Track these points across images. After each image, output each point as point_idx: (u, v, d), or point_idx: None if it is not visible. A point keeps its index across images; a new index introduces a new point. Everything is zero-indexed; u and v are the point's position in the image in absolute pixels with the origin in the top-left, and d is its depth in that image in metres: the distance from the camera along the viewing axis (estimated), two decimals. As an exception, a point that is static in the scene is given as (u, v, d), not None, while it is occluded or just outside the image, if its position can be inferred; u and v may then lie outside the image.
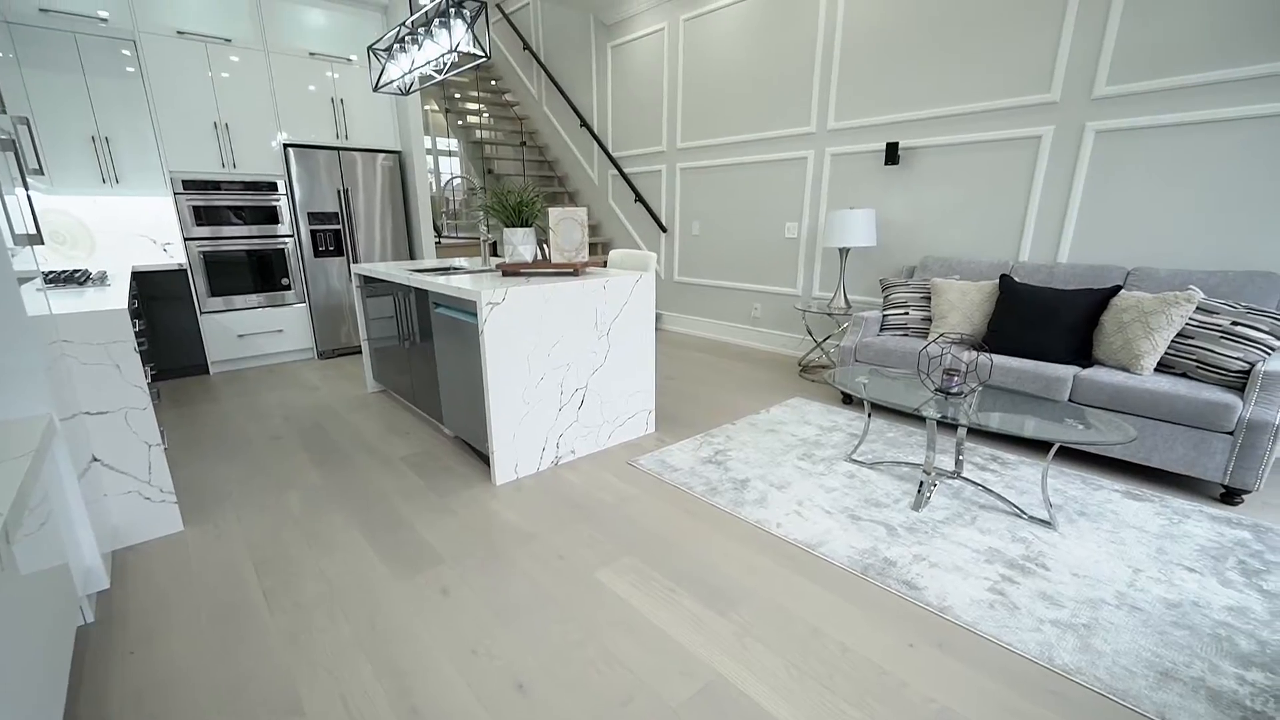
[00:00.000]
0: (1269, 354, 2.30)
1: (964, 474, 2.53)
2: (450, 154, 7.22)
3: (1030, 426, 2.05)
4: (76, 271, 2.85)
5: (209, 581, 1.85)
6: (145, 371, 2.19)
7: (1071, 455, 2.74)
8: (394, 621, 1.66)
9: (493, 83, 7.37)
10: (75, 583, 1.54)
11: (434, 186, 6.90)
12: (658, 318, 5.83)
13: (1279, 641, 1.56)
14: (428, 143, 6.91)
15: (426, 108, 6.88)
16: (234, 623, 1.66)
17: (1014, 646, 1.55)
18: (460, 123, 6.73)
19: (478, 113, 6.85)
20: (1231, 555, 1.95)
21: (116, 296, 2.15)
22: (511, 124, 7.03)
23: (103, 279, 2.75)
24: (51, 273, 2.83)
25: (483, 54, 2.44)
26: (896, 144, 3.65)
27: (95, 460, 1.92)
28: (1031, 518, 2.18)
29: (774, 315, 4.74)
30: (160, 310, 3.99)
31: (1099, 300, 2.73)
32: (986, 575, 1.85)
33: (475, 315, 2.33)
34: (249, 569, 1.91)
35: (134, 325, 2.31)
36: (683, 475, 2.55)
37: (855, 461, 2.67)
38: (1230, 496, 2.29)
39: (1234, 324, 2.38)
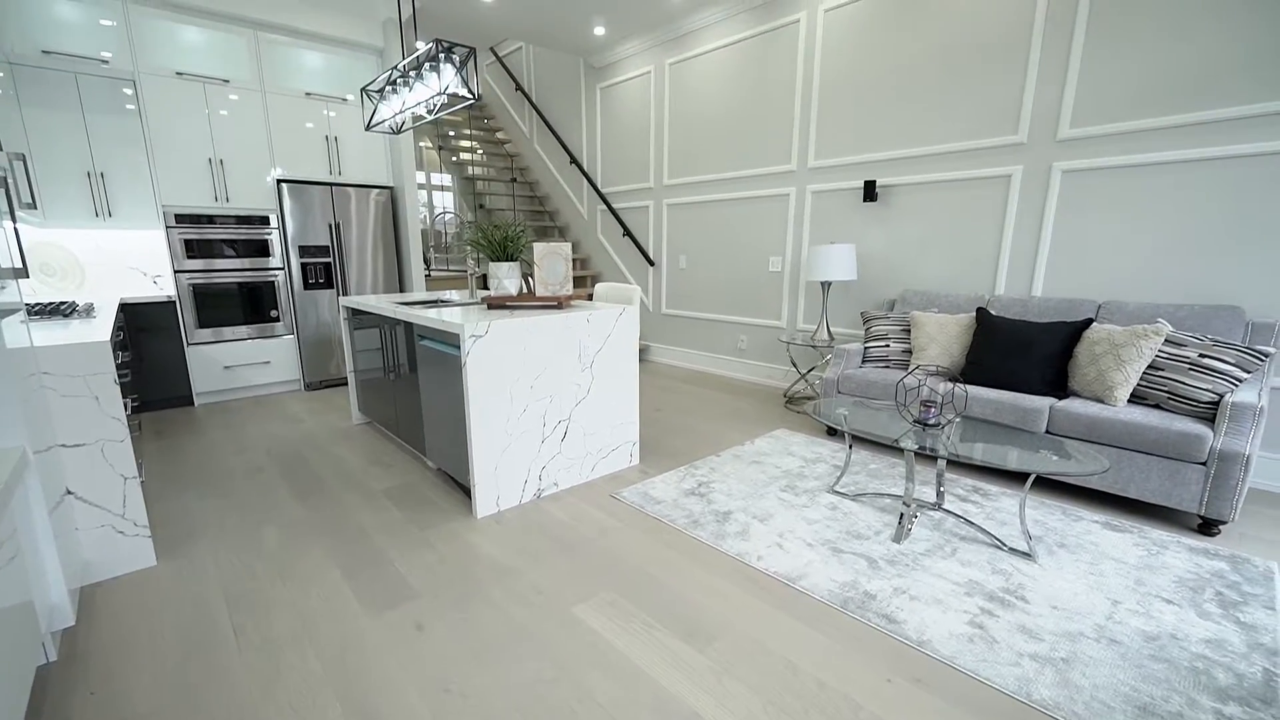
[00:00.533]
0: (1236, 385, 2.35)
1: (945, 505, 2.53)
2: (443, 189, 7.36)
3: (1005, 457, 2.07)
4: (63, 303, 2.86)
5: (178, 618, 1.82)
6: (126, 403, 2.19)
7: (1051, 486, 2.76)
8: (366, 659, 1.63)
9: (486, 121, 7.58)
10: (39, 620, 1.51)
11: (427, 220, 7.01)
12: (645, 349, 5.87)
13: (1256, 675, 1.56)
14: (421, 178, 7.06)
15: (421, 144, 7.05)
16: (201, 661, 1.63)
17: (992, 681, 1.54)
18: (454, 159, 6.89)
19: (471, 150, 7.01)
20: (1209, 587, 1.96)
21: (100, 329, 2.16)
22: (503, 160, 7.20)
23: (89, 311, 2.76)
24: (38, 305, 2.84)
25: (470, 96, 2.52)
26: (874, 182, 3.77)
27: (69, 493, 1.90)
28: (1012, 549, 2.19)
29: (759, 347, 4.79)
30: (147, 342, 3.99)
31: (1072, 333, 2.79)
32: (966, 608, 1.85)
33: (458, 348, 2.36)
34: (220, 605, 1.88)
35: (118, 357, 2.31)
36: (665, 508, 2.55)
37: (838, 493, 2.67)
38: (1207, 527, 2.31)
39: (1201, 356, 2.44)
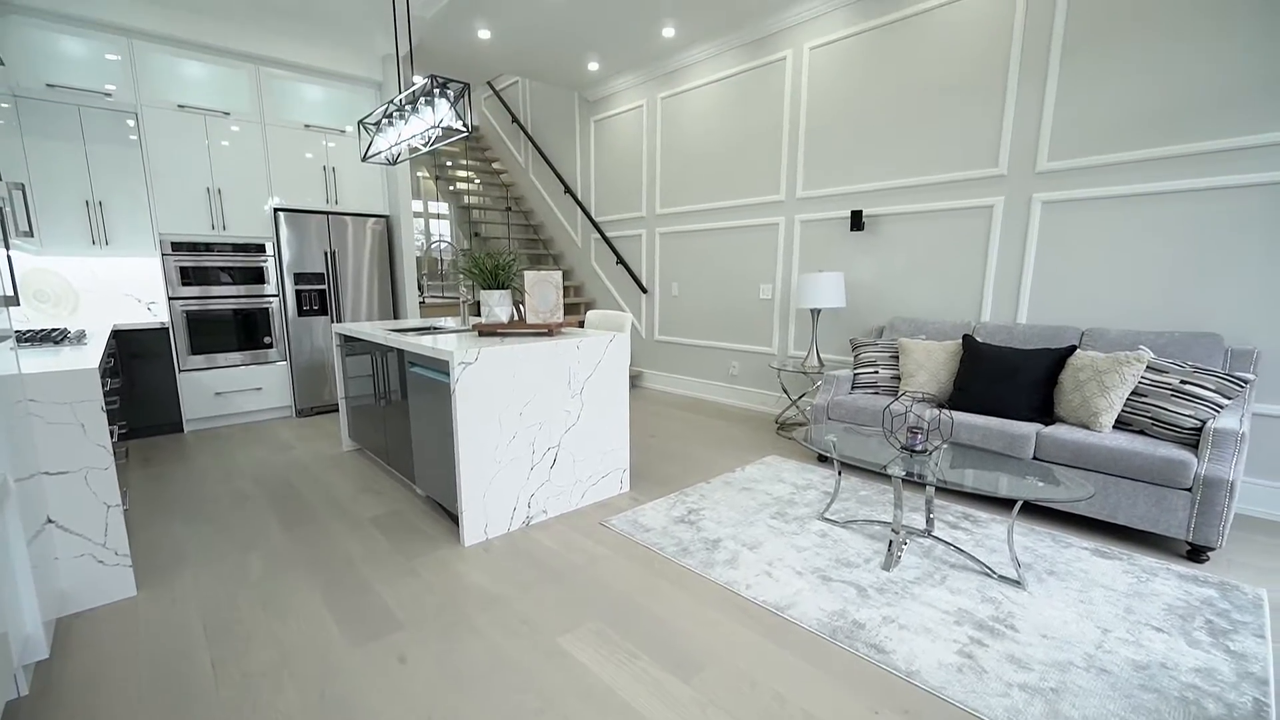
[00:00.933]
0: (1218, 412, 2.38)
1: (935, 532, 2.53)
2: (439, 217, 7.46)
3: (991, 484, 2.08)
4: (54, 330, 2.87)
5: (156, 649, 1.78)
6: (112, 430, 2.18)
7: (1041, 513, 2.76)
8: (346, 691, 1.60)
9: (483, 152, 7.73)
10: (12, 652, 1.48)
11: (425, 248, 7.08)
12: (639, 376, 5.89)
13: (1247, 704, 1.54)
14: (418, 206, 7.16)
15: (420, 174, 7.17)
16: (176, 694, 1.59)
17: (981, 713, 1.52)
18: (451, 189, 7.00)
19: (468, 180, 7.14)
20: (1199, 614, 1.95)
21: (89, 356, 2.17)
22: (499, 190, 7.32)
23: (80, 338, 2.77)
24: (29, 332, 2.85)
25: (464, 129, 2.59)
26: (860, 212, 3.85)
27: (50, 522, 1.88)
28: (1001, 577, 2.18)
29: (751, 373, 4.81)
30: (139, 368, 3.98)
31: (1057, 359, 2.83)
32: (955, 637, 1.83)
33: (448, 374, 2.37)
34: (199, 636, 1.85)
35: (107, 384, 2.32)
36: (654, 535, 2.53)
37: (828, 520, 2.66)
38: (1196, 554, 2.31)
39: (1183, 383, 2.47)
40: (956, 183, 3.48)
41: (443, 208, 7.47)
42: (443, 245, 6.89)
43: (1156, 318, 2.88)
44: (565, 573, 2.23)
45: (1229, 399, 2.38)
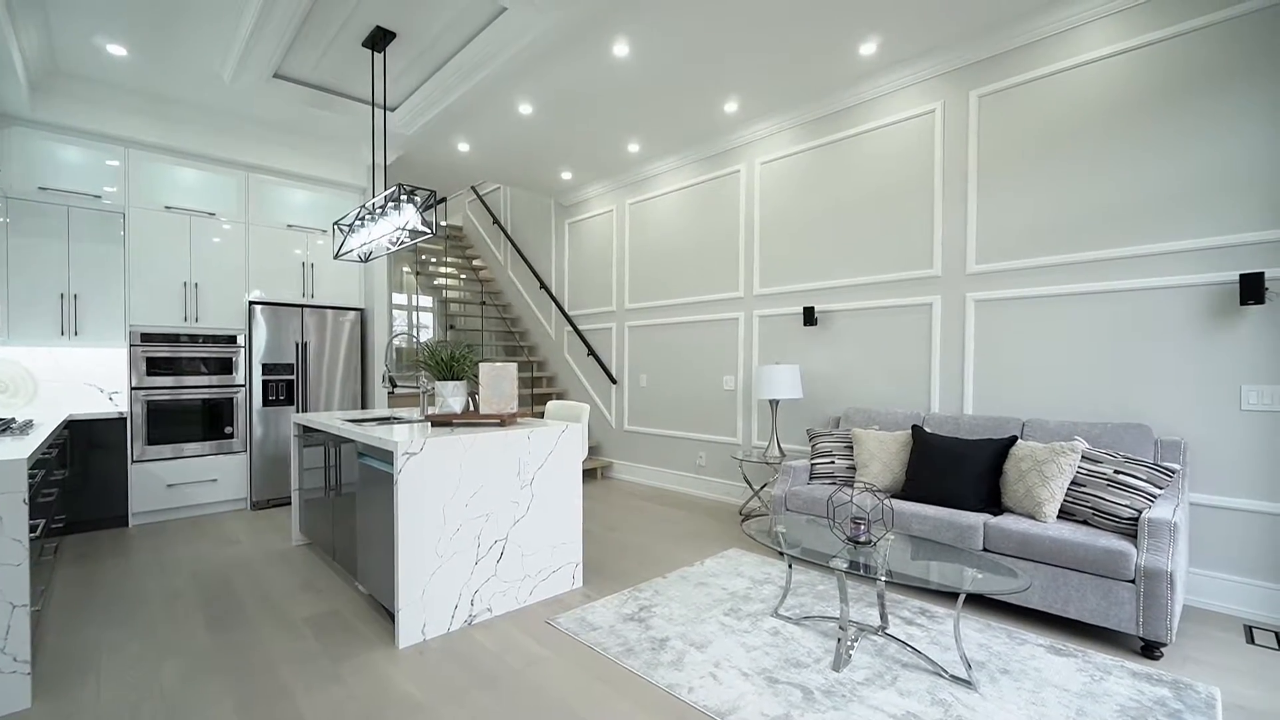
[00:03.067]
0: (1152, 502, 2.43)
1: (890, 629, 2.46)
2: (418, 309, 7.66)
3: (928, 575, 2.07)
4: None
5: (37, 771, 1.63)
6: (37, 525, 2.12)
7: (997, 608, 2.70)
8: (236, 816, 1.46)
9: (465, 250, 8.11)
10: None
11: (406, 339, 7.21)
12: (608, 466, 5.84)
13: (1198, 816, 1.47)
14: (401, 299, 7.38)
15: (404, 269, 7.46)
16: (47, 823, 1.45)
17: (919, 829, 1.43)
18: (433, 283, 7.27)
19: (449, 275, 7.43)
20: (1150, 716, 1.89)
21: (24, 446, 2.15)
22: (479, 285, 7.61)
23: (26, 428, 2.75)
24: (-25, 421, 2.82)
25: (427, 231, 2.77)
26: (813, 308, 4.06)
27: (-53, 623, 1.78)
28: (953, 677, 2.10)
29: (717, 464, 4.81)
30: (92, 459, 3.90)
31: (1000, 449, 2.89)
32: (900, 744, 1.75)
33: (393, 464, 2.37)
34: (89, 754, 1.70)
35: (37, 475, 2.28)
36: (600, 635, 2.43)
37: (781, 617, 2.58)
38: (1150, 650, 2.26)
39: (1116, 472, 2.54)
40: (897, 282, 3.72)
41: (425, 301, 7.71)
42: (415, 339, 7.03)
43: (1090, 409, 3.00)
44: (501, 677, 2.12)
45: (1160, 489, 2.44)
